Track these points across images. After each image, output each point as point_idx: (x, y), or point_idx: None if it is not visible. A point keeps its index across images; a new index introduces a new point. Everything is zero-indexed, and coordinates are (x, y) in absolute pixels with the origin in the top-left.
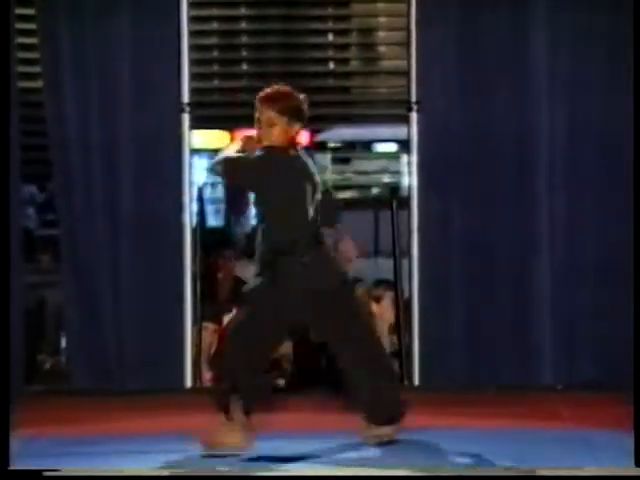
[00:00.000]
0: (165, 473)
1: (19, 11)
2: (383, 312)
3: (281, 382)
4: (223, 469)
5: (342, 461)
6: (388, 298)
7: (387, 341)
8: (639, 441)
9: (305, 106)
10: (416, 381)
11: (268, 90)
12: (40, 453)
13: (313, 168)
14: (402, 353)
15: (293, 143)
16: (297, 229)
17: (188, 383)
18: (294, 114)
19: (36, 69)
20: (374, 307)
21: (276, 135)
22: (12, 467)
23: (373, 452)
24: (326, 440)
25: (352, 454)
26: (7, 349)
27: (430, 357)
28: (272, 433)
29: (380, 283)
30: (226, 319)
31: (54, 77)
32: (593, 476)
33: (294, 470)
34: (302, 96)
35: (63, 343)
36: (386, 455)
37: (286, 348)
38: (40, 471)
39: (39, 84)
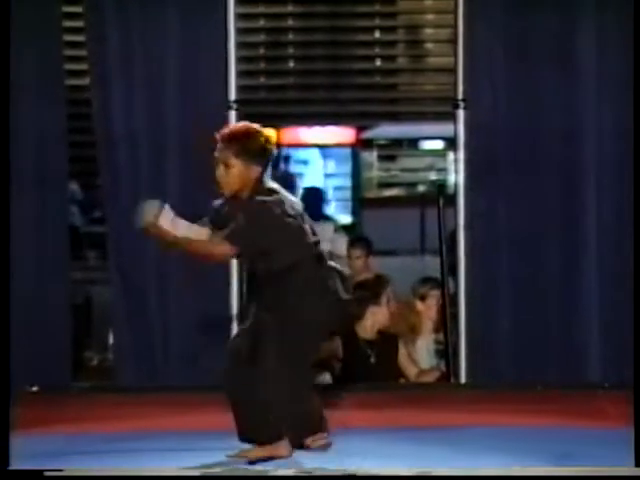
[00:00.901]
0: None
1: (67, 9)
2: (428, 310)
3: (329, 379)
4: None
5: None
6: (434, 296)
7: (432, 339)
8: (639, 441)
9: (270, 145)
10: (463, 379)
11: (228, 128)
12: (85, 451)
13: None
14: (448, 351)
15: (253, 186)
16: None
17: None
18: (254, 155)
19: (84, 66)
20: (419, 305)
21: (233, 178)
22: (12, 467)
23: (414, 449)
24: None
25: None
26: (7, 349)
27: (476, 355)
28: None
29: (426, 281)
30: None
31: (101, 74)
32: (593, 476)
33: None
34: (267, 135)
35: (110, 340)
36: (429, 453)
37: (335, 345)
38: (41, 471)
39: (86, 81)
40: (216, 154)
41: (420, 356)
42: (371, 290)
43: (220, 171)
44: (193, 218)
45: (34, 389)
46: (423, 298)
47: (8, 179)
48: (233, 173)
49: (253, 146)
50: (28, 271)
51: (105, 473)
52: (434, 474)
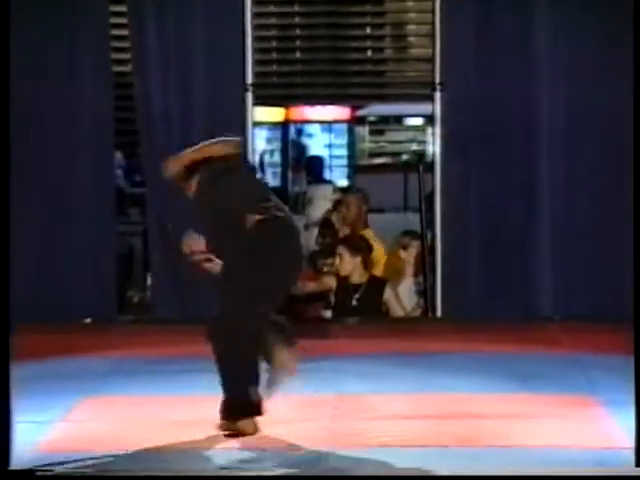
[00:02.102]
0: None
1: (113, 8)
2: (409, 257)
3: (328, 313)
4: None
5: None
6: (414, 246)
7: (413, 281)
8: (639, 441)
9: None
10: (439, 313)
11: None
12: (129, 371)
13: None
14: (427, 290)
15: None
16: None
17: None
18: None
19: (127, 56)
20: (402, 253)
21: None
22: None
23: (401, 372)
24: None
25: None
26: (7, 350)
27: (450, 293)
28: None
29: (408, 233)
30: None
31: (142, 63)
32: (593, 476)
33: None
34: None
35: (148, 281)
36: (414, 374)
37: (331, 283)
38: (33, 471)
39: (129, 68)
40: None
41: (404, 296)
42: (353, 244)
43: None
44: None
45: (87, 321)
46: (405, 247)
47: (8, 178)
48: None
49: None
50: (82, 224)
51: (99, 473)
52: (435, 474)
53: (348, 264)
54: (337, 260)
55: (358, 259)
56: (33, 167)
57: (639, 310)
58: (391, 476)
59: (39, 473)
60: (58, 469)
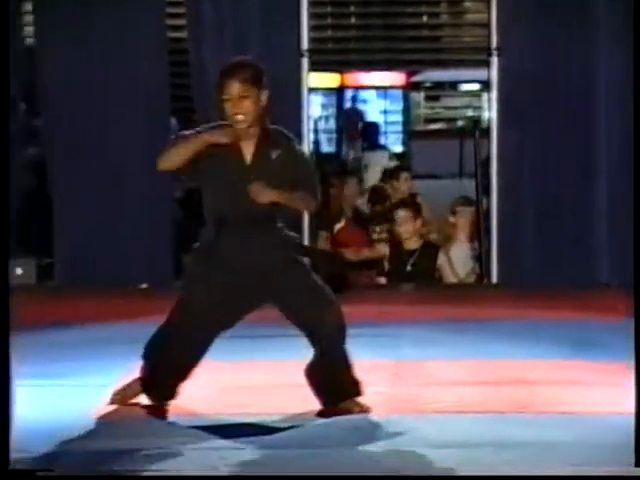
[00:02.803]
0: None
1: None
2: (459, 223)
3: (382, 280)
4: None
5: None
6: (466, 211)
7: (467, 247)
8: (639, 441)
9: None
10: (494, 279)
11: (228, 64)
12: None
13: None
14: (482, 256)
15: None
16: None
17: None
18: (260, 80)
19: (182, 22)
20: (451, 218)
21: (250, 108)
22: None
23: (456, 338)
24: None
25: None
26: (7, 350)
27: (505, 259)
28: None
29: (460, 199)
30: (336, 227)
31: (197, 28)
32: (593, 476)
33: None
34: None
35: None
36: (470, 341)
37: (384, 251)
38: (33, 471)
39: (184, 34)
40: (227, 92)
41: (457, 261)
42: (411, 207)
43: (235, 105)
44: None
45: (144, 286)
46: (454, 213)
47: (8, 176)
48: (251, 104)
49: (258, 72)
50: (140, 190)
51: (100, 473)
52: (436, 474)
53: (410, 226)
54: (396, 224)
55: (418, 222)
56: (90, 132)
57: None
58: (391, 476)
59: (39, 473)
60: (58, 469)
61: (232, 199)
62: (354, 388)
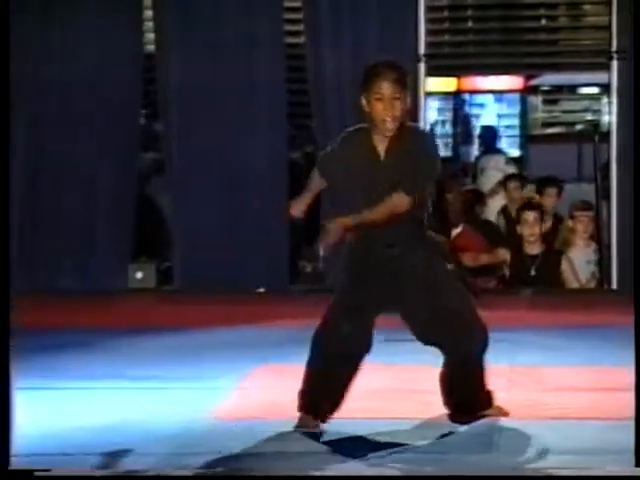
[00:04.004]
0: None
1: None
2: (578, 228)
3: (500, 285)
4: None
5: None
6: (584, 216)
7: (587, 252)
8: (639, 442)
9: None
10: (614, 285)
11: (386, 64)
12: (304, 340)
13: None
14: (602, 262)
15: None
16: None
17: None
18: (407, 84)
19: (299, 27)
20: (570, 223)
21: (400, 110)
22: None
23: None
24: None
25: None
26: (7, 352)
27: (625, 265)
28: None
29: (578, 203)
30: (454, 233)
31: (314, 34)
32: (593, 476)
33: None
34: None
35: (320, 251)
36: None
37: (506, 256)
38: (31, 471)
39: (302, 40)
40: (379, 92)
41: (578, 266)
42: (537, 209)
43: (387, 107)
44: None
45: (261, 290)
46: (573, 217)
47: (8, 175)
48: (400, 105)
49: (406, 74)
50: (256, 195)
51: (98, 473)
52: (437, 474)
53: (536, 229)
54: (522, 226)
55: (543, 226)
56: (209, 137)
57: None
58: (391, 476)
59: (38, 473)
60: (58, 469)
61: (370, 197)
62: (486, 399)
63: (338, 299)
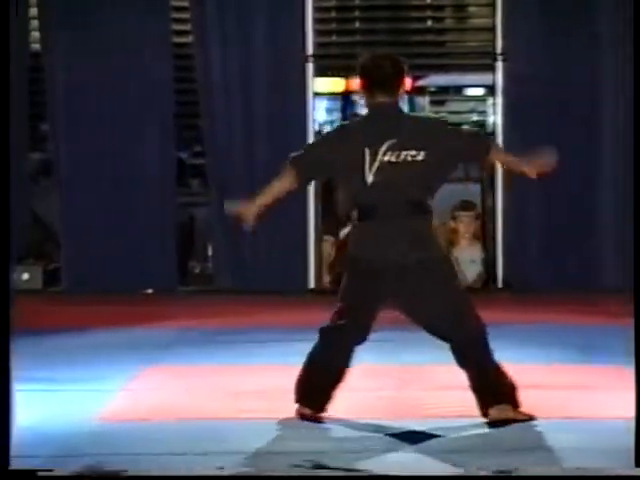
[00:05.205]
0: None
1: None
2: (461, 227)
3: None
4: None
5: None
6: (466, 216)
7: (470, 251)
8: (639, 441)
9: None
10: (499, 284)
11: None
12: (191, 341)
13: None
14: (487, 261)
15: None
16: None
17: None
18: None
19: (187, 27)
20: (451, 223)
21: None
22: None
23: None
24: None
25: None
26: (7, 353)
27: (510, 264)
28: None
29: (461, 204)
30: (342, 233)
31: (202, 33)
32: (593, 476)
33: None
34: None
35: (209, 252)
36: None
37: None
38: (33, 471)
39: (189, 39)
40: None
41: (463, 265)
42: None
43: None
44: None
45: (149, 291)
46: (454, 218)
47: (8, 175)
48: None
49: (404, 64)
50: (144, 196)
51: (99, 473)
52: (436, 475)
53: None
54: None
55: None
56: (97, 137)
57: (639, 319)
58: (392, 476)
59: (40, 473)
60: (58, 469)
61: (371, 187)
62: (505, 391)
63: (342, 304)
